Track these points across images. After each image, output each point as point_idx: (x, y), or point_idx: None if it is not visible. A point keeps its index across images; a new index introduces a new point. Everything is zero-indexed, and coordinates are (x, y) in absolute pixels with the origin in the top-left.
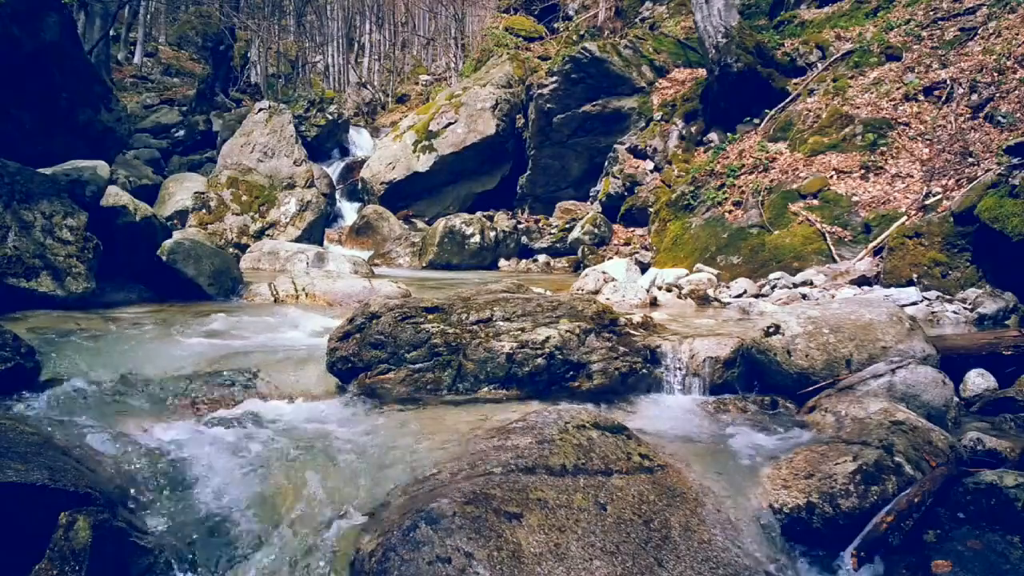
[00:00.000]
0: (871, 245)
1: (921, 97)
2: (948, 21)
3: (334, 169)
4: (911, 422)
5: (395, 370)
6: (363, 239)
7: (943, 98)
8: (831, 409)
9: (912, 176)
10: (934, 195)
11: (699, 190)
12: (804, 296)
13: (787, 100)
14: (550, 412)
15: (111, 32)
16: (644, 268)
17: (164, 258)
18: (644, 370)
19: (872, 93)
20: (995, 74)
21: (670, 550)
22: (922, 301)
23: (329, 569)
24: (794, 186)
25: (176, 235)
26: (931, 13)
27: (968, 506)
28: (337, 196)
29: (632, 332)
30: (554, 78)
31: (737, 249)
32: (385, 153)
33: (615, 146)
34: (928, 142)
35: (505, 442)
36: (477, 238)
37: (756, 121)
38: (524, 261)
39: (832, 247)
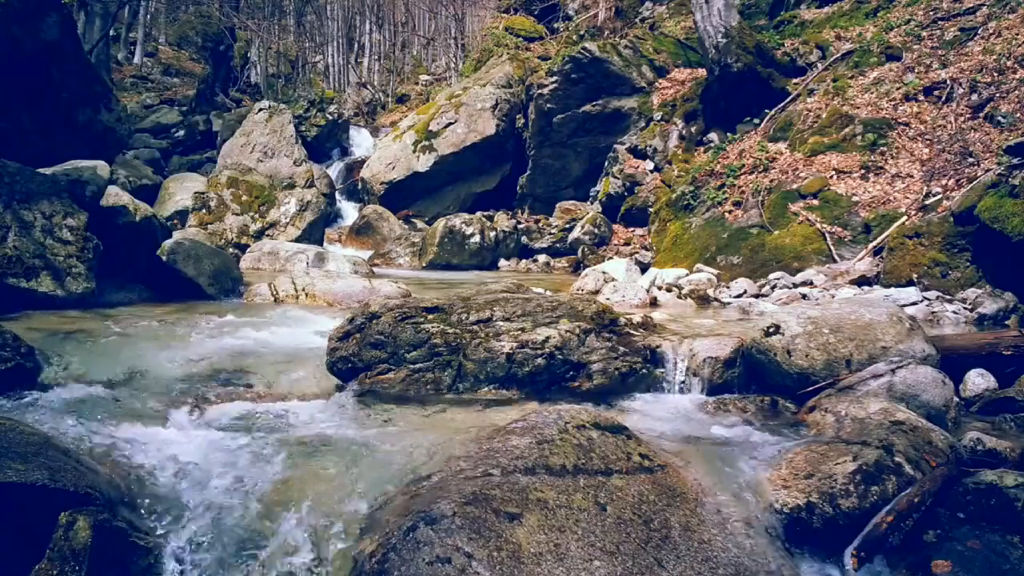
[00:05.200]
0: (871, 245)
1: (921, 97)
2: (948, 21)
3: (334, 169)
4: (911, 422)
5: (395, 370)
6: (363, 239)
7: (943, 98)
8: (831, 409)
9: (912, 176)
10: (934, 195)
11: (699, 190)
12: (804, 296)
13: (787, 100)
14: (550, 412)
15: (111, 32)
16: (644, 268)
17: (164, 258)
18: (644, 370)
19: (872, 93)
20: (995, 74)
21: (670, 550)
22: (922, 301)
23: (329, 570)
24: (794, 186)
25: (176, 235)
26: (931, 13)
27: (968, 506)
28: (337, 196)
29: (632, 332)
30: (554, 78)
31: (737, 249)
32: (385, 153)
33: (615, 146)
34: (928, 142)
35: (505, 442)
36: (477, 238)
37: (756, 121)
38: (524, 261)
39: (832, 247)
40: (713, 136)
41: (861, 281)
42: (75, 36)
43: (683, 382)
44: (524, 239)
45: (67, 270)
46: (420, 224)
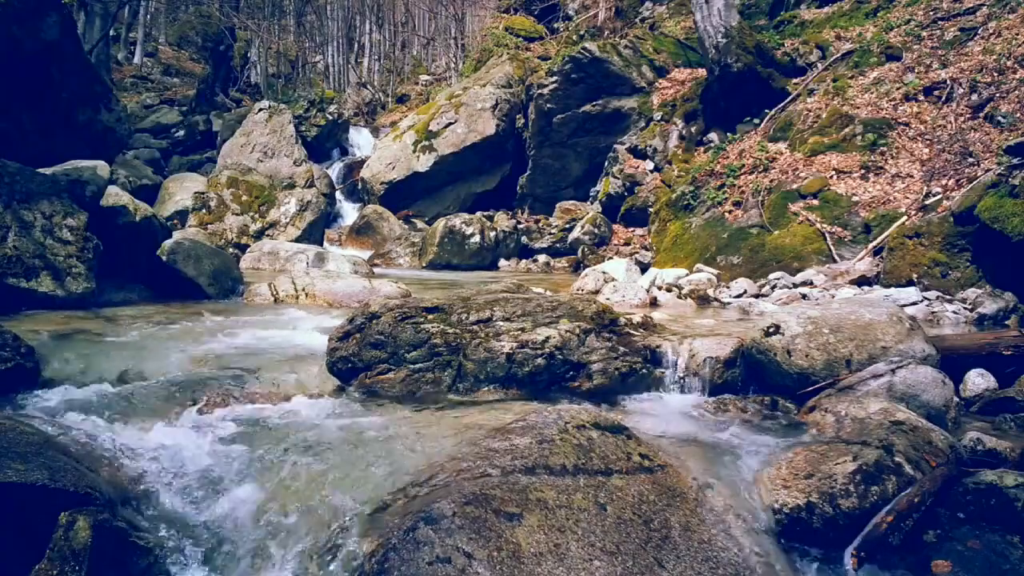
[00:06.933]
0: (871, 245)
1: (921, 97)
2: (948, 21)
3: (334, 169)
4: (911, 422)
5: (395, 370)
6: (363, 239)
7: (943, 98)
8: (831, 409)
9: (912, 176)
10: (934, 195)
11: (699, 190)
12: (804, 296)
13: (787, 100)
14: (550, 412)
15: (111, 32)
16: (644, 268)
17: (164, 258)
18: (644, 370)
19: (872, 93)
20: (995, 74)
21: (670, 550)
22: (922, 301)
23: (329, 570)
24: (794, 186)
25: (176, 235)
26: (931, 13)
27: (968, 506)
28: (337, 196)
29: (632, 332)
30: (554, 78)
31: (737, 249)
32: (385, 153)
33: (615, 146)
34: (928, 142)
35: (505, 442)
36: (477, 238)
37: (756, 121)
38: (524, 261)
39: (832, 247)
40: (713, 136)
41: (861, 281)
42: (75, 36)
43: (683, 382)
44: (524, 239)
45: (67, 270)
46: (420, 224)
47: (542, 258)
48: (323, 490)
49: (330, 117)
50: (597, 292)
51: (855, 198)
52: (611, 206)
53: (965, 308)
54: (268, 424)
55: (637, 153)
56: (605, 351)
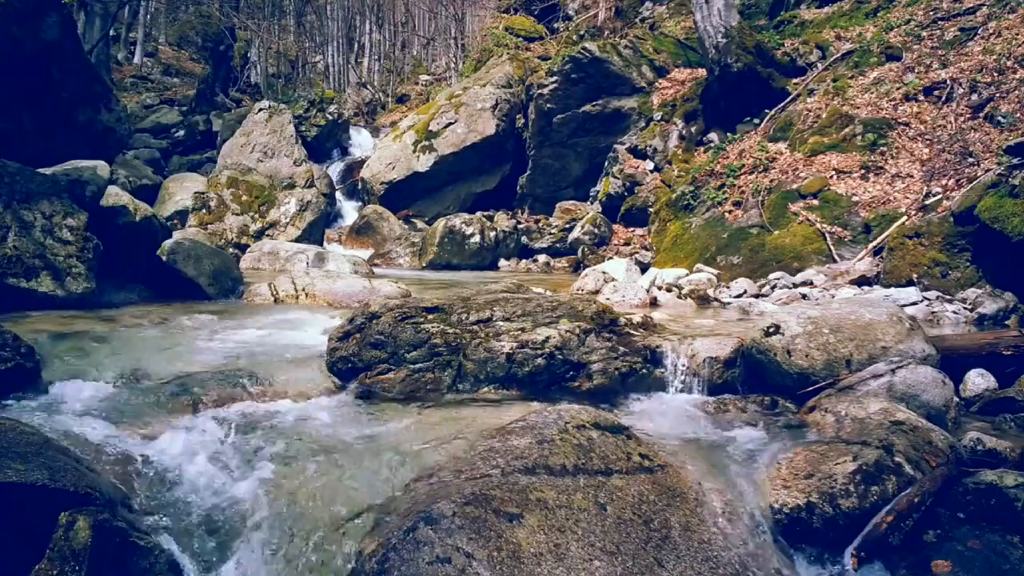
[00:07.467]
0: (871, 245)
1: (921, 97)
2: (948, 21)
3: (334, 169)
4: (911, 422)
5: (395, 370)
6: (363, 239)
7: (943, 98)
8: (831, 409)
9: (912, 176)
10: (934, 195)
11: (699, 190)
12: (804, 296)
13: (787, 100)
14: (550, 412)
15: (111, 32)
16: (644, 268)
17: (164, 258)
18: (644, 370)
19: (872, 93)
20: (995, 74)
21: (670, 550)
22: (922, 301)
23: (329, 570)
24: (794, 186)
25: (176, 235)
26: (931, 13)
27: (968, 506)
28: (337, 196)
29: (632, 332)
30: (554, 78)
31: (737, 249)
32: (385, 153)
33: (615, 146)
34: (928, 142)
35: (505, 442)
36: (477, 238)
37: (756, 121)
38: (524, 261)
39: (832, 247)
40: (713, 136)
41: (861, 281)
42: (75, 36)
43: (683, 382)
44: (524, 239)
45: (67, 270)
46: (420, 224)
47: (542, 258)
48: (323, 490)
49: (330, 117)
50: (597, 292)
51: (855, 198)
52: (611, 206)
53: (965, 308)
54: (267, 424)
55: (637, 153)
56: (605, 351)
